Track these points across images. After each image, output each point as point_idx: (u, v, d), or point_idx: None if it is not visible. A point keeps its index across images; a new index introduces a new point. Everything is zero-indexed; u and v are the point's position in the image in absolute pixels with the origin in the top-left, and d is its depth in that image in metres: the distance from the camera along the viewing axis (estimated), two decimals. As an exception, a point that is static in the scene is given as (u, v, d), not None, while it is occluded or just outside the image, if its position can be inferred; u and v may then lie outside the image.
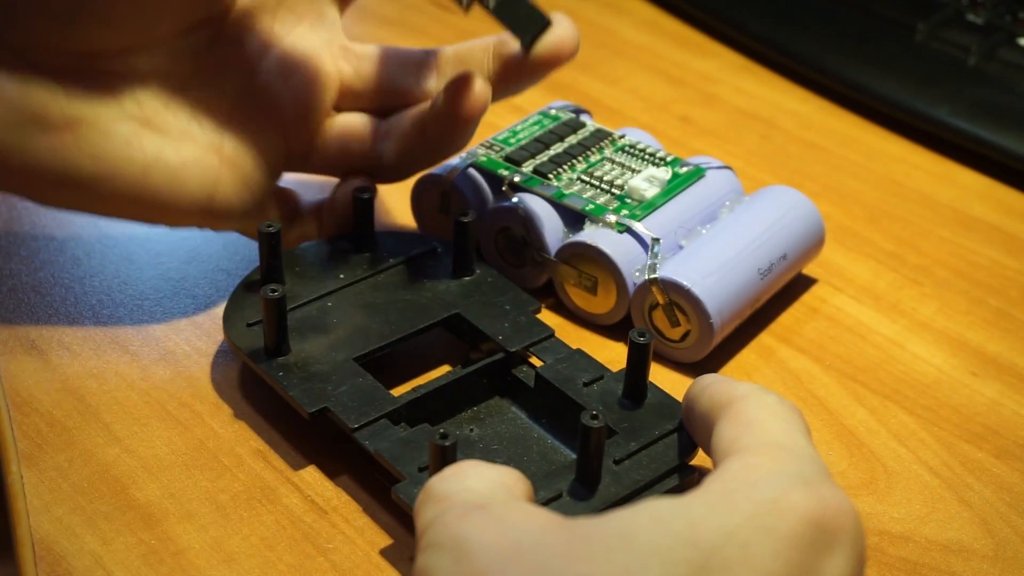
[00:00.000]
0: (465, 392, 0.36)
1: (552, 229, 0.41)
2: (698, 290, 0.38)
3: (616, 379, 0.35)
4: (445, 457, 0.30)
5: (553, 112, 0.46)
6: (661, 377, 0.39)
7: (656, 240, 0.40)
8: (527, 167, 0.42)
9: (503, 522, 0.26)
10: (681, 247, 0.41)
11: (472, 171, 0.43)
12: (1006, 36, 0.56)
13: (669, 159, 0.44)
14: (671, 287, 0.38)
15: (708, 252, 0.40)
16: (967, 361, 0.41)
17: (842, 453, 0.37)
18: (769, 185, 0.44)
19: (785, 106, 0.56)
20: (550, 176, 0.42)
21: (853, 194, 0.50)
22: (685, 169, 0.43)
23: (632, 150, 0.44)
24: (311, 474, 0.35)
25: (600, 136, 0.45)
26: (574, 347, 0.37)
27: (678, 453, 0.33)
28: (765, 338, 0.41)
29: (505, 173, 0.42)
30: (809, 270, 0.44)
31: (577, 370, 0.36)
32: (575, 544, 0.25)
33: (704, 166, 0.43)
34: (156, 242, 0.44)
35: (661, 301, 0.39)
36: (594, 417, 0.30)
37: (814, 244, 0.43)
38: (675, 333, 0.39)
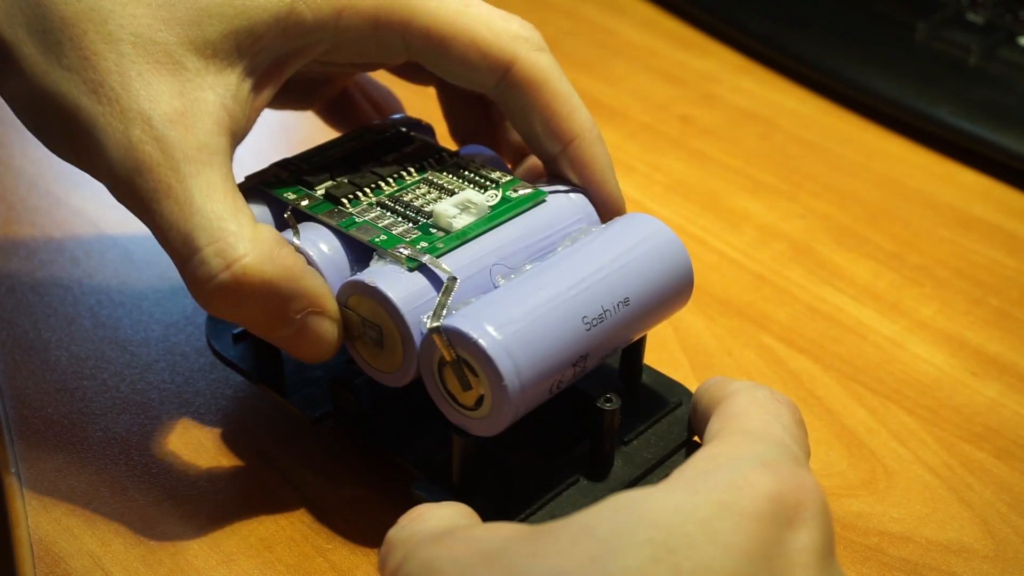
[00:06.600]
0: None
1: (333, 267, 0.32)
2: (487, 343, 0.29)
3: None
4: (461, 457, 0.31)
5: (381, 126, 0.38)
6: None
7: (453, 279, 0.31)
8: (320, 190, 0.34)
9: (470, 538, 0.26)
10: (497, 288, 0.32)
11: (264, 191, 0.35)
12: (1006, 36, 0.56)
13: (504, 180, 0.35)
14: (457, 339, 0.29)
15: (518, 296, 0.31)
16: (967, 361, 0.41)
17: (842, 453, 0.37)
18: (630, 213, 0.35)
19: (785, 106, 0.56)
20: (344, 201, 0.33)
21: (853, 194, 0.50)
22: (520, 193, 0.34)
23: (460, 172, 0.36)
24: (311, 474, 0.35)
25: (425, 153, 0.36)
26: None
27: (684, 429, 0.34)
28: (765, 338, 0.41)
29: (292, 197, 0.34)
30: (809, 270, 0.44)
31: None
32: (540, 543, 0.25)
33: (546, 189, 0.35)
34: (155, 242, 0.44)
35: (448, 358, 0.30)
36: (607, 400, 0.31)
37: (673, 286, 0.33)
38: (468, 398, 0.30)
